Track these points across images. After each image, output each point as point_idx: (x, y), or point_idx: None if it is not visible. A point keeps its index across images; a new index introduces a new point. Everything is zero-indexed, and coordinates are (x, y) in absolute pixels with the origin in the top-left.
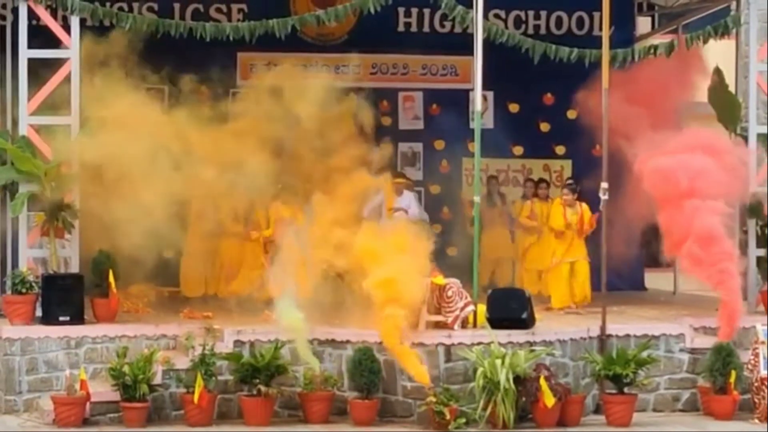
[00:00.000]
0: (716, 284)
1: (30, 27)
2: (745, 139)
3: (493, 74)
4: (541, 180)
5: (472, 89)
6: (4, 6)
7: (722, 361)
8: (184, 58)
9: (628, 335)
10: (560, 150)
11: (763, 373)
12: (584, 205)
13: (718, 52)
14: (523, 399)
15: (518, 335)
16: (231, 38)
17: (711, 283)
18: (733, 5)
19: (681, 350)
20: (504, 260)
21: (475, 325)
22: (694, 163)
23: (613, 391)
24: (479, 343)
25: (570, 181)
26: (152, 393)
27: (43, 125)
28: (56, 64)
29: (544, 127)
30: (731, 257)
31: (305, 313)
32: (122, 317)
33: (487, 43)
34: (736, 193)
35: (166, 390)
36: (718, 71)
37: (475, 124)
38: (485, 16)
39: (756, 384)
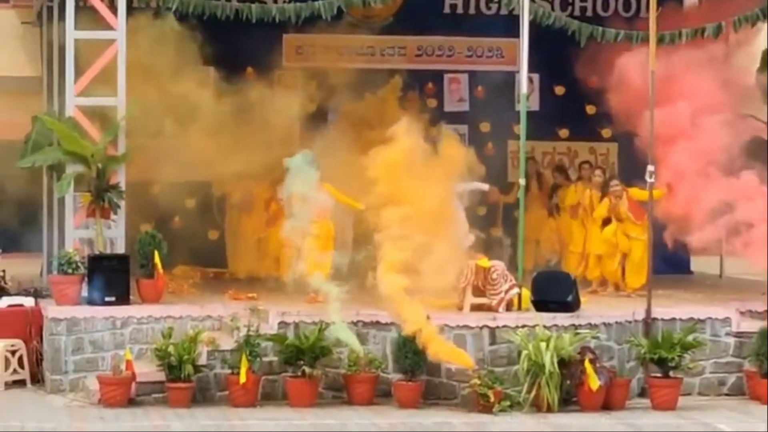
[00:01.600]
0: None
1: (77, 8)
2: None
3: (540, 57)
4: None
5: (518, 71)
6: None
7: None
8: (230, 40)
9: (673, 319)
10: (606, 133)
11: None
12: (629, 190)
13: None
14: (568, 382)
15: (563, 318)
16: (277, 20)
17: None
18: None
19: (727, 334)
20: (543, 242)
21: (519, 308)
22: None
23: (659, 375)
24: (524, 326)
25: (615, 182)
26: (197, 374)
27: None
28: (102, 45)
29: (590, 109)
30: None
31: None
32: (168, 298)
33: (534, 25)
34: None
35: (211, 371)
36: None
37: (521, 107)
38: None
39: None
